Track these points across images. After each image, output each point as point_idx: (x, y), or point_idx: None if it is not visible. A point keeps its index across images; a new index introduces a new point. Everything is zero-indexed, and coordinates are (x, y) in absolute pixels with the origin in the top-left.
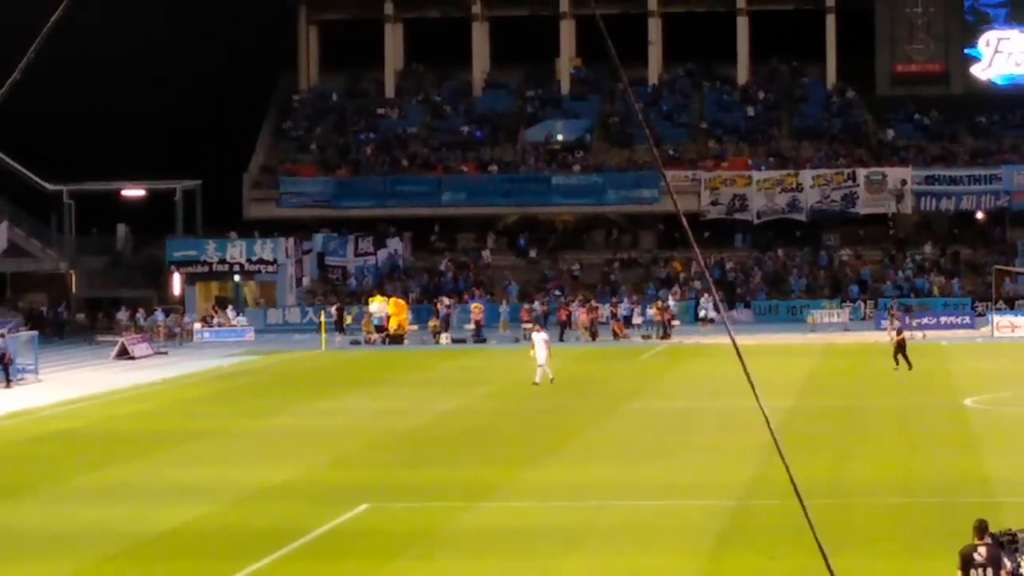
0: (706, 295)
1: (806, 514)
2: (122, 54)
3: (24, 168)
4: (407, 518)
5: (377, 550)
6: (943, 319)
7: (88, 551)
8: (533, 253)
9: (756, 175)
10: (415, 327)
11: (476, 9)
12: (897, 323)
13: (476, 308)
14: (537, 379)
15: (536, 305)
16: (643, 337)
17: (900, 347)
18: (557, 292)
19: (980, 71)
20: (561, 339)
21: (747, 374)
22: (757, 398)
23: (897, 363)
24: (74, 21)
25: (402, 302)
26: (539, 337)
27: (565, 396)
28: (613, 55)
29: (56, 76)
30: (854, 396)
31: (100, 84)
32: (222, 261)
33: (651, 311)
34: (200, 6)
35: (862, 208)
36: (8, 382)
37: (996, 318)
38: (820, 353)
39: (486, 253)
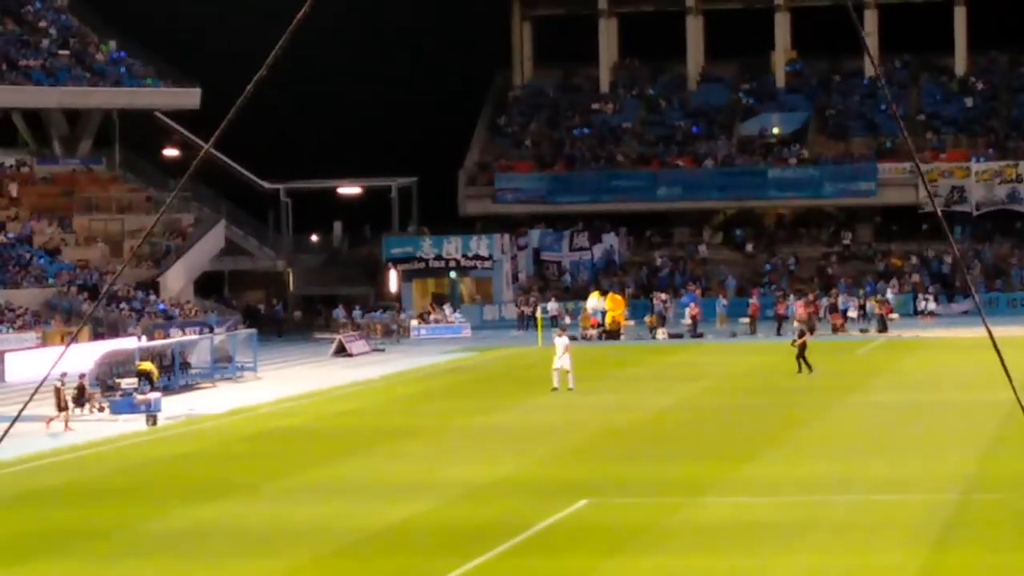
0: (928, 289)
1: None
2: (339, 53)
3: (241, 167)
4: (627, 514)
5: (597, 546)
6: None
7: (308, 548)
8: (749, 247)
9: (975, 167)
10: (631, 322)
11: (691, 2)
12: (799, 326)
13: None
14: (556, 384)
15: (754, 299)
16: (861, 331)
17: (801, 350)
18: (774, 286)
19: None
20: (778, 333)
21: (1003, 365)
22: (1014, 389)
23: (800, 368)
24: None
25: (619, 297)
26: (560, 342)
27: (783, 391)
28: (866, 47)
29: (272, 77)
30: None
31: (316, 83)
32: (438, 257)
33: (870, 304)
34: (416, 5)
35: None
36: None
37: None
38: None
39: (702, 247)
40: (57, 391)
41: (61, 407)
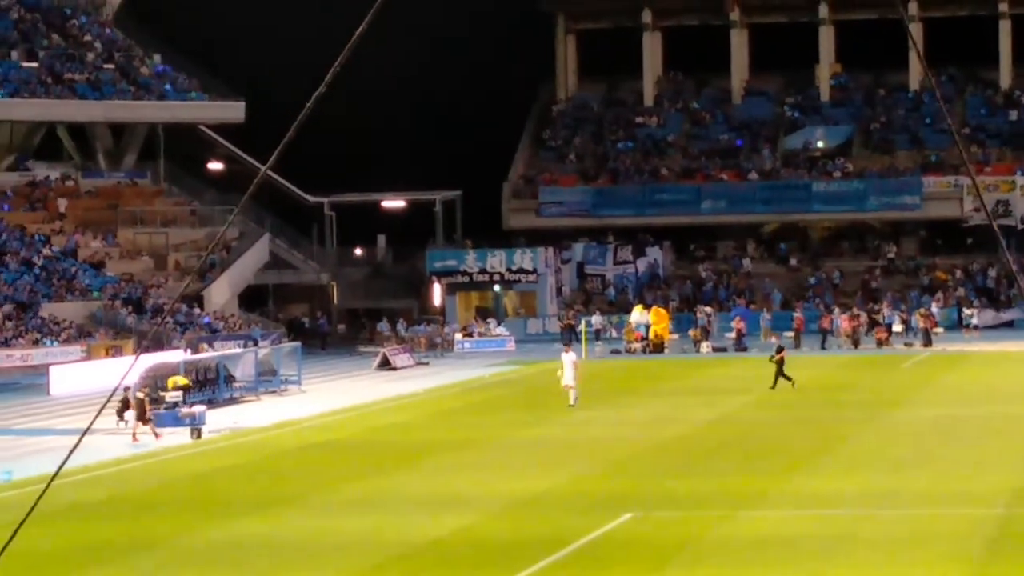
0: (972, 303)
1: None
2: (383, 67)
3: (286, 181)
4: (671, 527)
5: (642, 559)
6: None
7: (354, 561)
8: (794, 261)
9: (1020, 180)
10: (675, 336)
11: (735, 15)
12: (777, 342)
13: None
14: (572, 401)
15: (798, 313)
16: (905, 345)
17: (780, 366)
18: (818, 299)
19: None
20: (823, 347)
21: None
22: None
23: (774, 384)
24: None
25: (663, 311)
26: (567, 358)
27: (828, 405)
28: (919, 55)
29: (316, 89)
30: None
31: (361, 97)
32: (482, 271)
33: (915, 318)
34: (459, 19)
35: None
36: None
37: None
38: None
39: (746, 261)
40: (140, 402)
41: (145, 419)
